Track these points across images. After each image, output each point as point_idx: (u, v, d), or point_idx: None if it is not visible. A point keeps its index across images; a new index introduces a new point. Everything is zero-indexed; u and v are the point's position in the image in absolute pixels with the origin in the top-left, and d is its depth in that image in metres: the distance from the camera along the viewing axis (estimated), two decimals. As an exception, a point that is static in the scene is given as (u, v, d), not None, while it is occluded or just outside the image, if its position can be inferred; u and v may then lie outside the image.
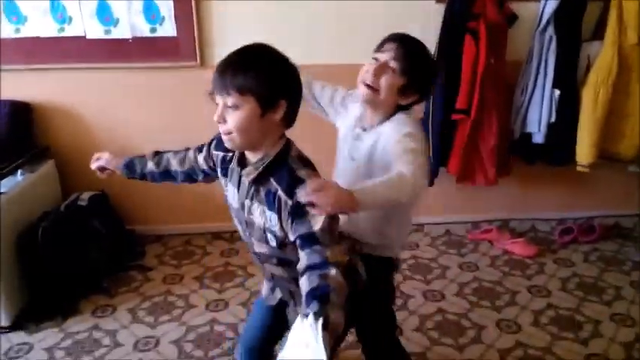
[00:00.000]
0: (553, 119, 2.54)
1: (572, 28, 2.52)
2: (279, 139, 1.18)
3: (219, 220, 2.77)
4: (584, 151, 2.57)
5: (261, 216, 1.18)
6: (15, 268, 2.17)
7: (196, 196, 2.76)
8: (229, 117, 1.11)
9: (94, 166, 1.55)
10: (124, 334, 2.13)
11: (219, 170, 1.33)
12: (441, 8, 2.52)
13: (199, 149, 1.42)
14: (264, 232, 1.20)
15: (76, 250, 2.34)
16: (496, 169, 2.62)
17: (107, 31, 2.51)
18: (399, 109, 1.37)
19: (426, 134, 2.57)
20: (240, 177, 1.22)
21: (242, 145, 1.16)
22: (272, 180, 1.15)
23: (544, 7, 2.47)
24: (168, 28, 2.52)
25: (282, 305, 1.41)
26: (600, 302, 2.35)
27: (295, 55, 1.17)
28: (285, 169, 1.14)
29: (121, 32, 2.51)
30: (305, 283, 1.01)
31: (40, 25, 2.47)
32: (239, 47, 1.13)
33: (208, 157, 1.38)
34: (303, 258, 1.06)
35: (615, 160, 2.69)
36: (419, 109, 2.57)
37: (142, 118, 2.68)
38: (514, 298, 2.38)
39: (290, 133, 1.22)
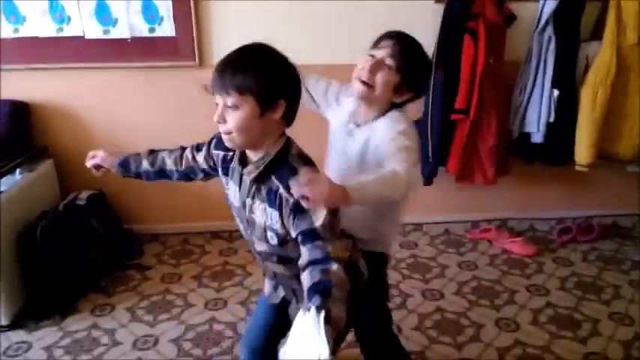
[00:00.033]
0: (552, 119, 2.54)
1: (571, 29, 2.53)
2: (280, 138, 1.19)
3: (218, 219, 2.78)
4: (583, 151, 2.57)
5: (263, 214, 1.19)
6: (14, 267, 2.17)
7: (194, 195, 2.76)
8: (229, 117, 1.11)
9: (89, 163, 1.55)
10: (122, 333, 2.13)
11: (219, 169, 1.34)
12: (440, 8, 2.52)
13: (197, 148, 1.42)
14: (265, 230, 1.20)
15: (75, 249, 2.33)
16: (495, 169, 2.62)
17: (106, 31, 2.50)
18: (392, 106, 1.38)
19: (424, 133, 2.58)
20: (241, 175, 1.23)
21: (242, 144, 1.16)
22: (273, 178, 1.16)
23: (543, 7, 2.47)
24: (166, 28, 2.52)
25: (284, 304, 1.41)
26: (599, 301, 2.35)
27: (294, 54, 1.17)
28: (286, 167, 1.14)
29: (119, 32, 2.51)
30: (307, 278, 1.02)
31: (38, 25, 2.47)
32: (238, 47, 1.14)
33: (208, 156, 1.38)
34: (305, 253, 1.07)
35: (614, 160, 2.70)
36: (418, 109, 2.58)
37: (140, 118, 2.68)
38: (513, 297, 2.39)
39: (290, 131, 1.22)
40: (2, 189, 2.18)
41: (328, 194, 1.02)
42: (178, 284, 2.48)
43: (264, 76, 1.09)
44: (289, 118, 1.17)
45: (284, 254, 1.22)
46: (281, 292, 1.41)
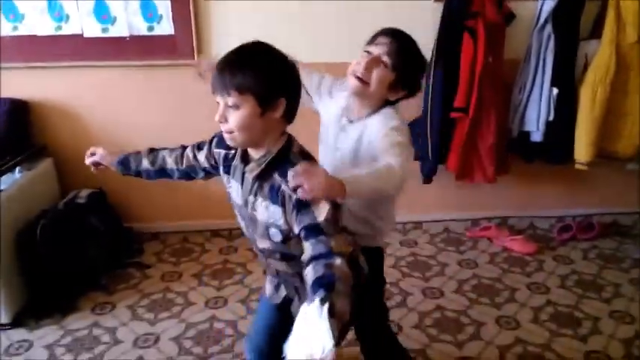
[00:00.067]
0: (551, 118, 2.54)
1: (570, 27, 2.52)
2: (281, 136, 1.19)
3: (218, 218, 2.78)
4: (582, 149, 2.57)
5: (265, 211, 1.19)
6: (14, 265, 2.17)
7: (194, 193, 2.76)
8: (230, 116, 1.12)
9: (88, 161, 1.55)
10: (123, 331, 2.13)
11: (221, 168, 1.34)
12: (439, 7, 2.52)
13: (198, 147, 1.42)
14: (268, 227, 1.20)
15: (75, 247, 2.33)
16: (495, 167, 2.62)
17: (104, 30, 2.50)
18: (386, 103, 1.39)
19: (424, 131, 2.58)
20: (243, 173, 1.23)
21: (244, 143, 1.17)
22: (275, 175, 1.16)
23: (542, 6, 2.47)
24: (165, 27, 2.52)
25: (286, 303, 1.41)
26: (599, 299, 2.36)
27: (294, 53, 1.17)
28: (288, 165, 1.14)
29: (118, 30, 2.50)
30: (310, 273, 1.02)
31: (37, 23, 2.46)
32: (237, 46, 1.14)
33: (210, 155, 1.38)
34: (308, 248, 1.07)
35: (613, 158, 2.70)
36: (417, 108, 2.58)
37: (139, 117, 2.67)
38: (513, 295, 2.39)
39: (290, 129, 1.22)
40: (2, 187, 2.18)
41: (325, 185, 1.02)
42: (179, 282, 2.48)
43: (263, 76, 1.10)
44: (290, 116, 1.18)
45: (287, 251, 1.22)
46: (282, 292, 1.41)
